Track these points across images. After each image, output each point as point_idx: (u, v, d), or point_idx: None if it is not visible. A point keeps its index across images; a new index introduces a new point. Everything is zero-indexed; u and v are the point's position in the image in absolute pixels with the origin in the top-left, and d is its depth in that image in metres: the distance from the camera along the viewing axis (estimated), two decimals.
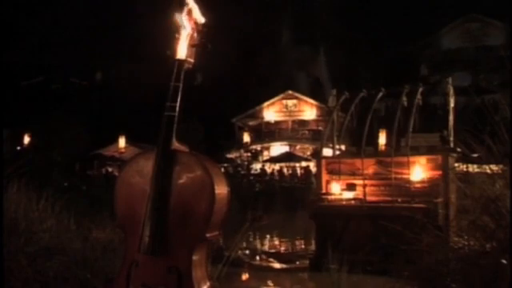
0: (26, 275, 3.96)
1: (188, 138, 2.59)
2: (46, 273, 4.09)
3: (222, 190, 2.39)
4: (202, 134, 31.63)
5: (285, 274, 8.49)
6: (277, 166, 33.81)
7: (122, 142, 34.98)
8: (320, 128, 36.38)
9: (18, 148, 27.23)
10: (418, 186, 7.93)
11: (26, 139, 29.89)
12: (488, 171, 4.21)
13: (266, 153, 39.52)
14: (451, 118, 8.36)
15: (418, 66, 38.16)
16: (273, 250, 11.32)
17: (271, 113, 41.97)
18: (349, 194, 8.31)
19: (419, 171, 8.00)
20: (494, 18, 35.00)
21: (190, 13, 2.58)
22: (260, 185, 27.22)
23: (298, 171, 31.41)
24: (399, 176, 8.07)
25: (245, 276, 7.78)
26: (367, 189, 8.19)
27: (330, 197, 8.49)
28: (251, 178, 29.13)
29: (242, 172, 29.52)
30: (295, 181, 28.93)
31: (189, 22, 2.58)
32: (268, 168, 34.03)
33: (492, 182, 4.01)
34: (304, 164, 32.20)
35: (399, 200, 7.75)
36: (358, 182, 8.31)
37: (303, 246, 11.36)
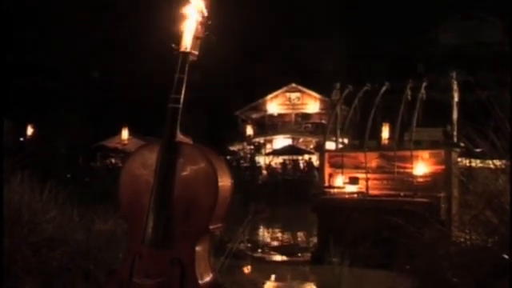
0: (29, 266, 3.98)
1: (192, 130, 2.59)
2: (49, 263, 4.10)
3: (225, 182, 2.39)
4: (205, 126, 31.67)
5: (287, 267, 8.51)
6: (279, 159, 33.80)
7: (124, 133, 35.05)
8: (323, 121, 36.33)
9: (22, 139, 27.33)
10: (421, 180, 7.94)
11: (30, 130, 29.98)
12: (491, 166, 4.21)
13: (268, 145, 39.50)
14: (455, 112, 8.34)
15: (416, 63, 38.10)
16: (275, 243, 11.34)
17: (274, 106, 41.90)
18: (351, 188, 8.32)
19: (422, 165, 8.00)
20: (492, 15, 34.99)
21: (194, 5, 2.58)
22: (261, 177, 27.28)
23: (301, 164, 31.39)
24: (402, 170, 8.08)
25: (247, 268, 7.80)
26: (370, 182, 8.20)
27: (332, 190, 8.50)
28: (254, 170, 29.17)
29: (245, 164, 29.55)
30: (298, 174, 28.91)
31: (193, 15, 2.58)
32: (268, 161, 34.01)
33: (495, 177, 4.00)
34: (307, 157, 32.19)
35: (402, 194, 7.76)
36: (361, 175, 8.32)
37: (305, 239, 11.38)
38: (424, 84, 8.75)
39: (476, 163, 5.76)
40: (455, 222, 5.01)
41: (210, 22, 2.62)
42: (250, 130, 41.28)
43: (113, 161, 30.90)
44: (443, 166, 7.78)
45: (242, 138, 40.24)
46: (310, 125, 40.93)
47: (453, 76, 8.58)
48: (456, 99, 8.43)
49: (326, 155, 8.89)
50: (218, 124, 38.80)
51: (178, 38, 2.56)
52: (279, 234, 12.71)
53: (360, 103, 9.33)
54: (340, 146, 9.54)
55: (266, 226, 13.20)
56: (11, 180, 4.84)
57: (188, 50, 2.54)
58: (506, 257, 3.27)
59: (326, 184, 8.68)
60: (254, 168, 29.82)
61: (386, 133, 13.19)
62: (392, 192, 7.98)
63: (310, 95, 40.87)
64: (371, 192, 8.14)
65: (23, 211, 4.50)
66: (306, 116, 41.55)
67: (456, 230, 4.46)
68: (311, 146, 36.15)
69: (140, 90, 35.21)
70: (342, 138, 9.75)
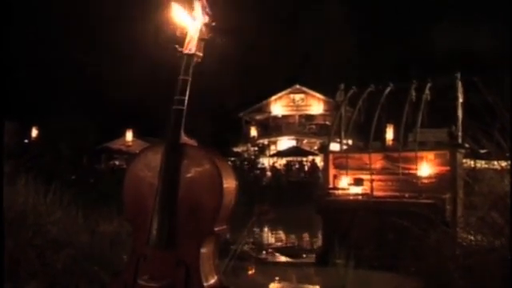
0: (34, 268, 3.98)
1: (195, 131, 2.58)
2: (53, 265, 4.10)
3: (230, 183, 2.38)
4: (209, 127, 31.65)
5: (291, 269, 8.49)
6: (284, 160, 33.82)
7: (129, 135, 35.15)
8: (327, 122, 36.33)
9: (26, 141, 27.40)
10: (426, 181, 7.92)
11: (34, 132, 30.06)
12: (496, 167, 4.19)
13: (273, 147, 39.50)
14: (460, 113, 8.32)
15: (418, 64, 38.10)
16: (279, 245, 11.33)
17: (278, 107, 41.93)
18: (356, 189, 8.30)
19: (427, 167, 7.98)
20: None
21: (200, 7, 2.57)
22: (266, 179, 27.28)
23: (306, 166, 31.39)
24: (407, 171, 8.06)
25: (251, 270, 7.79)
26: (374, 184, 8.18)
27: (337, 191, 8.48)
28: (257, 171, 29.17)
29: (248, 166, 29.54)
30: (302, 175, 28.90)
31: (198, 16, 2.57)
32: (272, 162, 34.00)
33: (500, 178, 3.98)
34: (311, 158, 32.20)
35: (406, 195, 7.74)
36: (366, 176, 8.30)
37: (310, 241, 11.36)
38: (428, 85, 8.74)
39: (481, 164, 5.75)
40: (461, 223, 5.00)
41: (214, 24, 2.61)
42: (253, 132, 41.30)
43: (116, 163, 30.93)
44: (448, 167, 7.76)
45: (246, 139, 40.23)
46: (314, 126, 40.93)
47: (457, 77, 8.56)
48: (461, 100, 8.42)
49: (331, 156, 8.88)
50: (221, 125, 38.80)
51: (182, 40, 2.56)
52: (283, 236, 12.70)
53: (364, 104, 9.32)
54: (344, 147, 9.52)
55: (271, 227, 13.19)
56: (16, 182, 4.85)
57: (192, 51, 2.53)
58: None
59: (331, 185, 8.66)
60: (254, 169, 29.79)
61: (390, 134, 13.18)
62: (397, 193, 7.97)
63: (313, 96, 40.88)
64: (376, 193, 8.13)
65: (28, 213, 4.50)
66: (310, 117, 41.57)
67: (461, 232, 4.44)
68: (315, 148, 36.09)
69: (145, 92, 35.24)
70: (347, 139, 9.73)
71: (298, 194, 19.61)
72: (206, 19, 2.59)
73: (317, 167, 28.03)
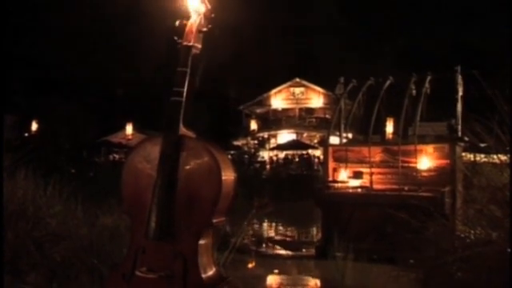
0: (33, 260, 3.99)
1: (195, 124, 2.58)
2: (53, 257, 4.11)
3: (228, 175, 2.38)
4: (209, 120, 31.67)
5: (291, 262, 8.51)
6: (283, 154, 33.85)
7: (129, 128, 35.10)
8: (327, 116, 36.32)
9: (26, 134, 27.41)
10: (425, 174, 7.93)
11: (34, 126, 30.05)
12: (496, 161, 4.20)
13: (273, 140, 39.50)
14: (459, 106, 8.33)
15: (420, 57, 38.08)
16: (279, 238, 11.35)
17: (278, 100, 41.89)
18: (355, 182, 8.31)
19: (426, 160, 7.99)
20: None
21: None
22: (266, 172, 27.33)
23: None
24: (406, 164, 8.07)
25: (251, 263, 7.80)
26: (374, 177, 8.19)
27: (336, 184, 8.50)
28: (257, 165, 29.23)
29: (251, 159, 29.61)
30: (302, 168, 28.94)
31: (197, 8, 2.56)
32: (272, 155, 34.05)
33: (499, 171, 3.99)
34: (310, 151, 32.24)
35: (406, 188, 7.75)
36: (365, 169, 8.32)
37: (309, 234, 11.38)
38: (428, 78, 8.73)
39: (480, 158, 5.75)
40: (459, 216, 5.01)
41: (213, 15, 2.60)
42: (254, 125, 41.29)
43: (116, 156, 30.95)
44: (447, 161, 7.77)
45: (246, 132, 40.24)
46: (313, 119, 40.90)
47: (457, 70, 8.56)
48: (460, 93, 8.42)
49: (330, 149, 8.89)
50: (221, 118, 38.81)
51: (180, 32, 2.55)
52: (283, 229, 12.71)
53: (364, 97, 9.32)
54: (344, 140, 9.53)
55: (270, 220, 13.21)
56: (16, 175, 4.85)
57: (191, 43, 2.53)
58: (510, 250, 3.26)
59: (330, 178, 8.67)
60: (253, 163, 29.85)
61: (390, 127, 13.17)
62: (396, 186, 7.97)
63: (313, 90, 40.84)
64: (375, 186, 8.14)
65: (27, 206, 4.52)
66: (310, 111, 41.54)
67: (460, 224, 4.45)
68: (315, 141, 36.18)
69: (145, 85, 35.22)
70: (346, 132, 9.74)
71: (297, 187, 19.63)
72: (205, 10, 2.58)
73: (313, 160, 28.08)
